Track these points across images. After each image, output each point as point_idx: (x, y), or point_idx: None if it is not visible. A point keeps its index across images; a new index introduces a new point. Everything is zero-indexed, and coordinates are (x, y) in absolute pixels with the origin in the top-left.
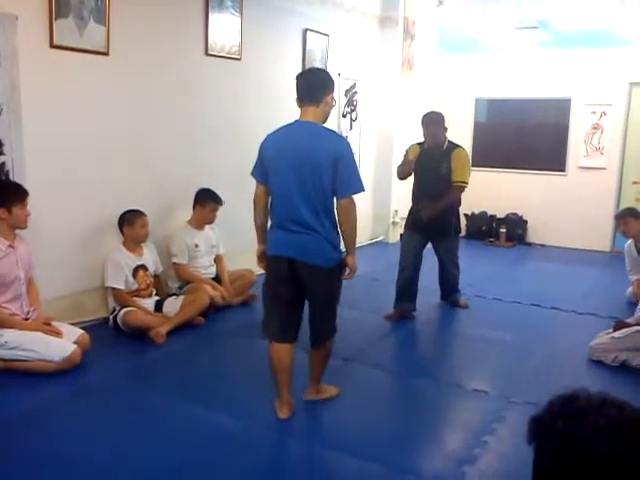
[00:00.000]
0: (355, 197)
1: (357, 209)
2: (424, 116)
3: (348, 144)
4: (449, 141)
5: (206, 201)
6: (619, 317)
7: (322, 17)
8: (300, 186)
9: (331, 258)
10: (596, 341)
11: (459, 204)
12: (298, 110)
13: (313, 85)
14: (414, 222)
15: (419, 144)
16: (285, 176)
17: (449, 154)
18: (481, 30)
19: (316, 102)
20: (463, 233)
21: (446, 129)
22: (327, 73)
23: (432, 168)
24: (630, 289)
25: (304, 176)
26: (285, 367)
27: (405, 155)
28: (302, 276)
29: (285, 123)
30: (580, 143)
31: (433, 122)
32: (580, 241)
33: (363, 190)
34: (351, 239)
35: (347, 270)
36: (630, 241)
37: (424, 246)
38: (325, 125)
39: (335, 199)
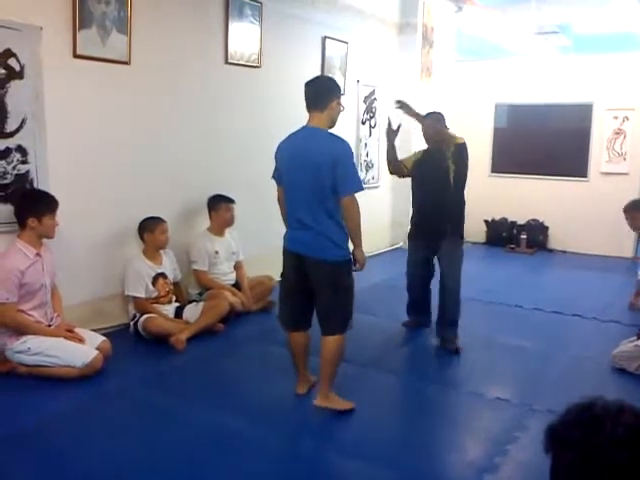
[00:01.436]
0: (374, 205)
1: (376, 216)
2: (425, 115)
3: (348, 147)
4: (457, 143)
5: (218, 204)
6: None
7: (341, 25)
8: (303, 187)
9: (331, 253)
10: (619, 349)
11: (464, 208)
12: None
13: (318, 92)
14: (416, 231)
15: (425, 149)
16: (292, 178)
17: (448, 149)
18: (501, 36)
19: (321, 108)
20: (483, 240)
21: (446, 129)
22: (332, 80)
23: (432, 167)
24: None
25: (307, 178)
26: (300, 350)
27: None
28: (308, 269)
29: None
30: (602, 148)
31: (432, 117)
32: (602, 247)
33: (362, 189)
34: (355, 233)
35: (357, 263)
36: None
37: (431, 256)
38: (333, 130)
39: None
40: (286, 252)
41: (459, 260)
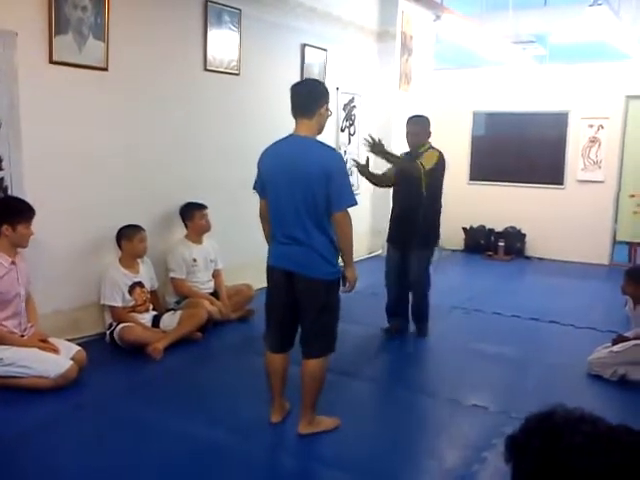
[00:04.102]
0: (353, 211)
1: (355, 223)
2: (409, 118)
3: (340, 159)
4: (431, 146)
5: (191, 212)
6: (618, 331)
7: (320, 32)
8: (292, 201)
9: (323, 272)
10: (595, 355)
11: (438, 216)
12: None
13: (306, 97)
14: (392, 235)
15: (405, 153)
16: (278, 191)
17: (422, 154)
18: (478, 44)
19: (309, 114)
20: (461, 247)
21: (429, 134)
22: (321, 84)
23: (405, 176)
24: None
25: (296, 191)
26: (278, 374)
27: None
28: (296, 287)
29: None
30: (578, 156)
31: (415, 122)
32: (578, 254)
33: (355, 204)
34: (348, 252)
35: (347, 283)
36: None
37: (403, 263)
38: (319, 138)
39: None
40: (272, 269)
41: (426, 274)
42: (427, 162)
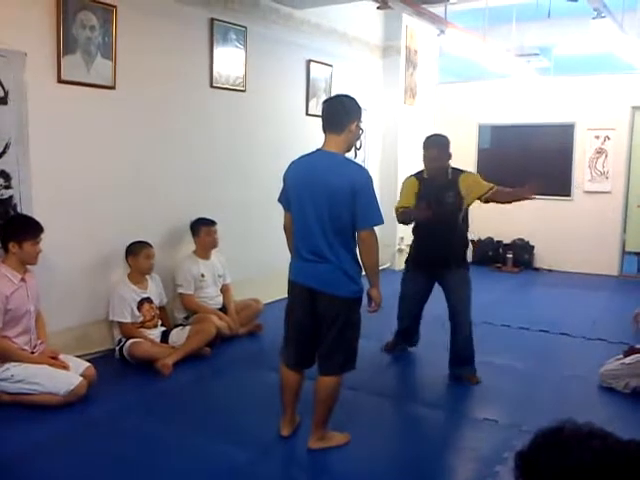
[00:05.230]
0: None
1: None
2: (426, 138)
3: (368, 175)
4: (453, 168)
5: (198, 228)
6: (629, 343)
7: (325, 48)
8: (317, 216)
9: (347, 289)
10: (606, 367)
11: (466, 233)
12: (304, 140)
13: (336, 112)
14: (418, 260)
15: (416, 176)
16: (303, 206)
17: (455, 180)
18: (482, 58)
19: (339, 130)
20: (469, 259)
21: (450, 155)
22: (353, 100)
23: (436, 199)
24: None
25: (321, 207)
26: (292, 390)
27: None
28: (319, 304)
29: (291, 154)
30: (585, 167)
31: (436, 144)
32: (587, 265)
33: (382, 222)
34: (373, 270)
35: (372, 303)
36: None
37: (429, 289)
38: (347, 155)
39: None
40: (295, 285)
41: (468, 296)
42: (485, 183)
